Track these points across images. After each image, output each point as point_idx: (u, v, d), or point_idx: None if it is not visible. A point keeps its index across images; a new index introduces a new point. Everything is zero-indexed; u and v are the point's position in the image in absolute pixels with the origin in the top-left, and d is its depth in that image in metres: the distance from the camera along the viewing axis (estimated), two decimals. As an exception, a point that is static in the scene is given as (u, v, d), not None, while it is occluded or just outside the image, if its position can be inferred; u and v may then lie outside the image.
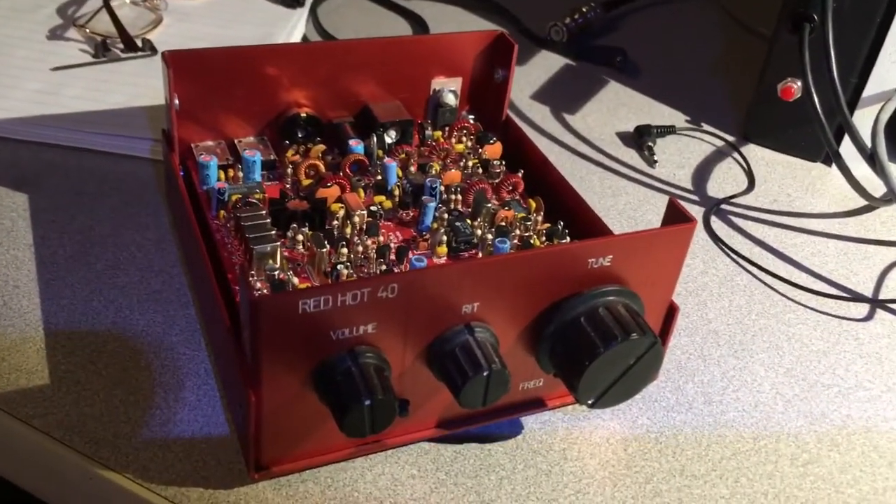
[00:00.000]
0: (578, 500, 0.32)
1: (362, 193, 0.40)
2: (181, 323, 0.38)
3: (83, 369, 0.35)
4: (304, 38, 0.62)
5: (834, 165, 0.54)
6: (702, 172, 0.53)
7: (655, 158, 0.53)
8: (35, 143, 0.48)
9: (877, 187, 0.49)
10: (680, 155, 0.54)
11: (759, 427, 0.36)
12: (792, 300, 0.43)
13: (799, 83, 0.51)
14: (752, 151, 0.55)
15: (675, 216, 0.33)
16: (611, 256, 0.30)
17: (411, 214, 0.40)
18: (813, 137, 0.54)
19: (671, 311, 0.34)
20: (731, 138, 0.56)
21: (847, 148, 0.48)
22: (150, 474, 0.32)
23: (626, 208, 0.49)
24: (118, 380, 0.35)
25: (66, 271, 0.40)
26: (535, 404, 0.35)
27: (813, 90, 0.45)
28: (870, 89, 0.50)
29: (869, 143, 0.46)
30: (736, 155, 0.55)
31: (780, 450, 0.35)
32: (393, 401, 0.28)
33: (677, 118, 0.58)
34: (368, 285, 0.28)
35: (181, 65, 0.39)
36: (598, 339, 0.29)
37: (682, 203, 0.50)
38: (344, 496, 0.32)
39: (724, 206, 0.50)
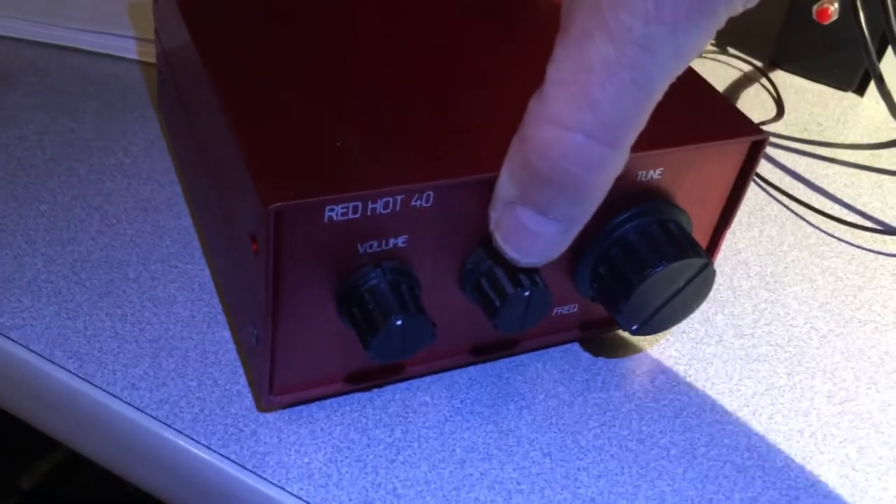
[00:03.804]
0: (604, 433, 0.30)
1: None
2: (172, 234, 0.35)
3: (65, 279, 0.32)
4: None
5: (866, 96, 0.51)
6: (728, 98, 0.50)
7: (679, 81, 0.50)
8: (9, 38, 0.44)
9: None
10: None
11: (793, 363, 0.34)
12: (825, 232, 0.41)
13: (836, 4, 0.48)
14: (781, 78, 0.52)
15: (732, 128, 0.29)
16: (661, 169, 0.27)
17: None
18: (845, 64, 0.51)
19: (717, 235, 0.32)
20: (758, 63, 0.53)
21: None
22: (140, 393, 0.29)
23: (649, 132, 0.46)
24: (104, 292, 0.32)
25: (47, 175, 0.37)
26: (566, 333, 0.32)
27: (860, 6, 0.42)
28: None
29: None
30: (764, 81, 0.51)
31: (816, 387, 0.33)
32: (427, 321, 0.26)
33: (701, 41, 0.54)
34: (401, 192, 0.25)
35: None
36: (650, 258, 0.27)
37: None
38: (352, 422, 0.29)
39: (751, 134, 0.47)
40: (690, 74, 0.31)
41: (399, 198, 0.25)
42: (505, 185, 0.24)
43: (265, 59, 0.29)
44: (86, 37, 0.43)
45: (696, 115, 0.30)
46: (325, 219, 0.24)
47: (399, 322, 0.25)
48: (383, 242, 0.26)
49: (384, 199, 0.25)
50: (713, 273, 0.27)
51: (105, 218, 0.35)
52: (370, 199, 0.24)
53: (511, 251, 0.25)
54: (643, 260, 0.26)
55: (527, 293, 0.26)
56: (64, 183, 0.36)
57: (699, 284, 0.27)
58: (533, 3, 0.35)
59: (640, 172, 0.27)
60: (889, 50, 0.47)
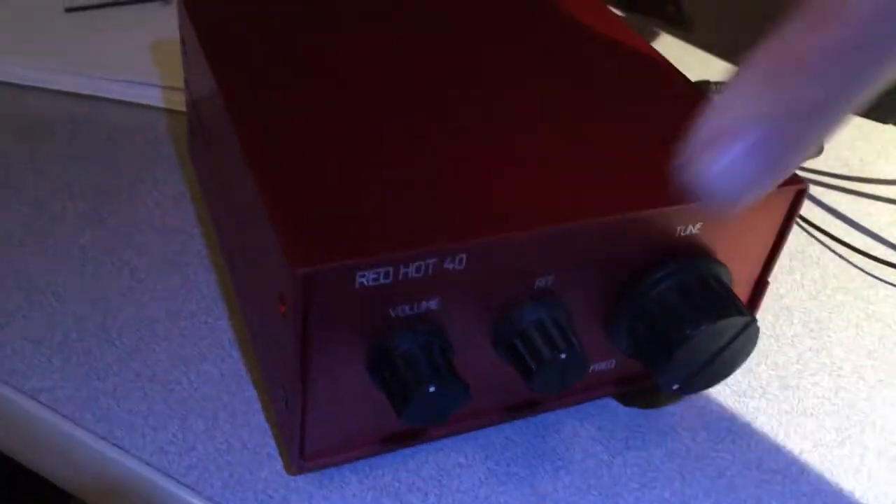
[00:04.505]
0: (645, 496, 0.29)
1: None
2: (202, 289, 0.35)
3: (95, 339, 0.32)
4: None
5: (909, 128, 0.49)
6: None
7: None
8: (44, 89, 0.44)
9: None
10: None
11: (841, 416, 0.33)
12: (871, 275, 0.39)
13: (875, 37, 0.47)
14: (819, 111, 0.51)
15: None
16: (700, 224, 0.27)
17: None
18: (885, 96, 0.49)
19: (759, 287, 0.30)
20: (795, 97, 0.51)
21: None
22: (170, 458, 0.28)
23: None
24: (133, 349, 0.32)
25: (78, 229, 0.37)
26: (604, 389, 0.31)
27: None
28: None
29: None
30: (801, 115, 0.50)
31: (866, 442, 0.32)
32: (459, 384, 0.25)
33: (735, 74, 0.53)
34: (434, 255, 0.24)
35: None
36: (692, 318, 0.25)
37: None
38: (384, 486, 0.28)
39: (790, 171, 0.46)
40: None
41: (431, 261, 0.24)
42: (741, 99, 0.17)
43: (294, 114, 0.29)
44: (115, 87, 0.44)
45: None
46: (357, 284, 0.24)
47: (432, 389, 0.24)
48: (415, 306, 0.25)
49: (416, 264, 0.24)
50: (757, 330, 0.26)
51: (135, 273, 0.35)
52: (402, 263, 0.24)
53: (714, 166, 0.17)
54: (684, 320, 0.25)
55: (563, 356, 0.25)
56: (95, 236, 0.36)
57: (743, 342, 0.26)
58: (577, 52, 0.34)
59: (679, 227, 0.26)
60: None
